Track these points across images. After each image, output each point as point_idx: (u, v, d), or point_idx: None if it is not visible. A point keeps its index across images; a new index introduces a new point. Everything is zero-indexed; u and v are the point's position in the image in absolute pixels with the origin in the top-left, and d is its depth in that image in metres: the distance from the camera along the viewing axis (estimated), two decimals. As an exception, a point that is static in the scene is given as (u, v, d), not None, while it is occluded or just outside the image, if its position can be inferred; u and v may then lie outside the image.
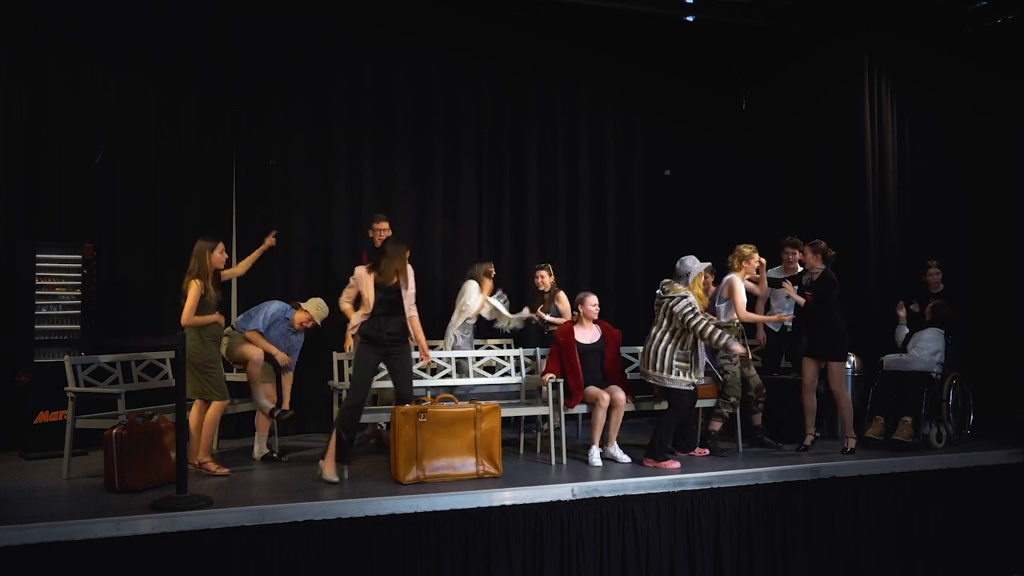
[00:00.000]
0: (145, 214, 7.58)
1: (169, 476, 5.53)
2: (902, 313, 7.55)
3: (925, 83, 8.62)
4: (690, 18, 8.43)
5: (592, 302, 6.69)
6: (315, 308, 6.63)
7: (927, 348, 7.16)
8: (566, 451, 6.48)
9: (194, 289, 6.06)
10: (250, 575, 4.86)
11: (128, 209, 7.51)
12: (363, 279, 5.89)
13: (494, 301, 7.44)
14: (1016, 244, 8.17)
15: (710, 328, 6.26)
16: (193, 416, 6.05)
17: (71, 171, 7.32)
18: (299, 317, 6.58)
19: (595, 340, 6.64)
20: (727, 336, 6.35)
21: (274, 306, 6.62)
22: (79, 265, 7.00)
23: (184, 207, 7.66)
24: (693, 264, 6.49)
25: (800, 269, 7.37)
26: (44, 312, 6.87)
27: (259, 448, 6.59)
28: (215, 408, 6.11)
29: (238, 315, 7.26)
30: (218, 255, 6.23)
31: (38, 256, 6.85)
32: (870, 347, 7.62)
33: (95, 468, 6.02)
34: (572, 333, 6.60)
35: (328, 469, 5.76)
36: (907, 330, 7.43)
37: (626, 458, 6.36)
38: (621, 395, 6.41)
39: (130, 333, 7.38)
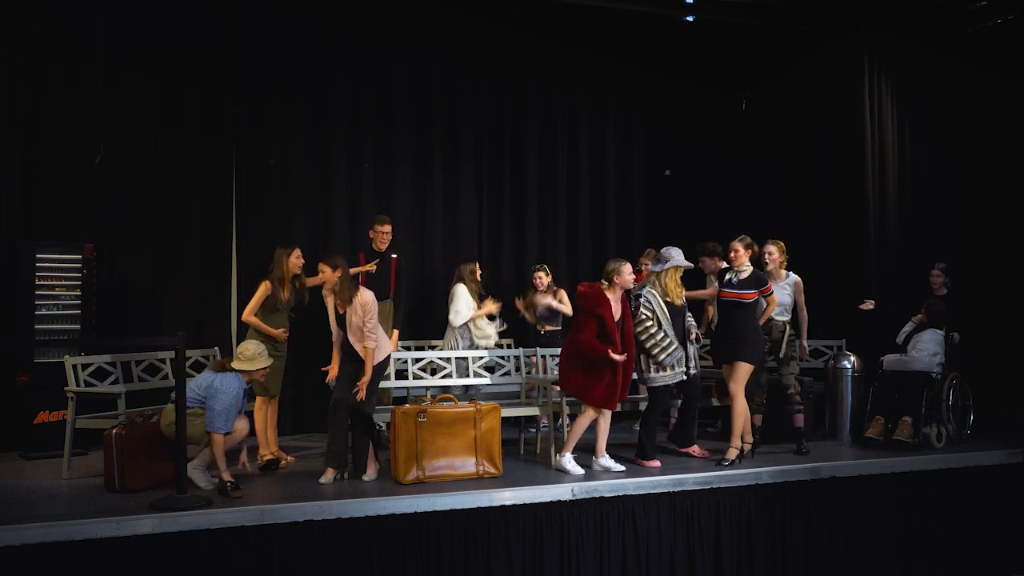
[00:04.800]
0: (145, 214, 7.57)
1: (169, 476, 5.54)
2: (864, 307, 7.54)
3: (925, 83, 8.62)
4: (690, 18, 8.43)
5: (631, 271, 6.09)
6: (253, 360, 5.66)
7: (926, 349, 7.16)
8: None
9: (261, 289, 6.33)
10: (250, 575, 4.86)
11: (128, 209, 7.50)
12: (327, 297, 5.89)
13: (486, 325, 7.48)
14: (1016, 245, 8.16)
15: (651, 340, 6.19)
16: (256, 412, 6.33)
17: (71, 171, 7.31)
18: (248, 377, 5.68)
19: (618, 317, 6.05)
20: (664, 356, 6.21)
21: (227, 388, 5.50)
22: (79, 265, 6.99)
23: (184, 207, 7.65)
24: (669, 254, 6.39)
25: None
26: (44, 312, 6.86)
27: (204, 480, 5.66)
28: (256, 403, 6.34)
29: (239, 314, 7.15)
30: (295, 260, 6.45)
31: (38, 256, 6.83)
32: (870, 347, 7.62)
33: (95, 468, 6.03)
34: (610, 305, 5.95)
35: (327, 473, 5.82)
36: (909, 329, 7.42)
37: (620, 467, 6.11)
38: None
39: (130, 333, 7.37)
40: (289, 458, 6.52)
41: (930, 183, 8.64)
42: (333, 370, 5.95)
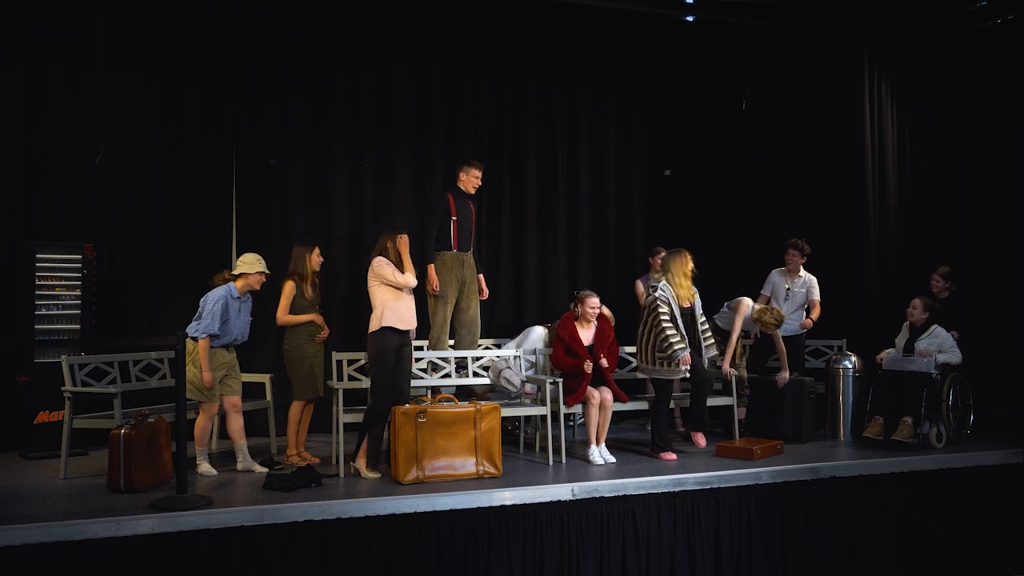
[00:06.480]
0: (145, 214, 7.57)
1: (168, 476, 5.54)
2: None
3: (925, 83, 8.62)
4: (690, 18, 8.43)
5: (591, 304, 6.62)
6: (253, 264, 6.11)
7: (945, 343, 7.13)
8: (566, 451, 6.48)
9: (286, 289, 6.49)
10: (250, 575, 4.86)
11: (128, 209, 7.50)
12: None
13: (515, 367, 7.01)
14: (1016, 244, 8.15)
15: (667, 332, 6.36)
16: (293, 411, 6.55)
17: (71, 171, 7.31)
18: (243, 284, 6.11)
19: (589, 343, 6.60)
20: (677, 348, 6.38)
21: (213, 295, 6.01)
22: (79, 265, 7.00)
23: (184, 207, 7.65)
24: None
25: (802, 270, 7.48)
26: (44, 312, 6.87)
27: (243, 461, 6.21)
28: (294, 406, 6.51)
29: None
30: (315, 257, 6.61)
31: (38, 256, 6.84)
32: (870, 347, 7.61)
33: (94, 468, 6.03)
34: (576, 330, 6.56)
35: (364, 467, 5.93)
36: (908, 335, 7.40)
37: (612, 459, 6.38)
38: (609, 395, 6.44)
39: (130, 333, 7.38)
40: (314, 459, 6.52)
41: (930, 183, 8.64)
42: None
